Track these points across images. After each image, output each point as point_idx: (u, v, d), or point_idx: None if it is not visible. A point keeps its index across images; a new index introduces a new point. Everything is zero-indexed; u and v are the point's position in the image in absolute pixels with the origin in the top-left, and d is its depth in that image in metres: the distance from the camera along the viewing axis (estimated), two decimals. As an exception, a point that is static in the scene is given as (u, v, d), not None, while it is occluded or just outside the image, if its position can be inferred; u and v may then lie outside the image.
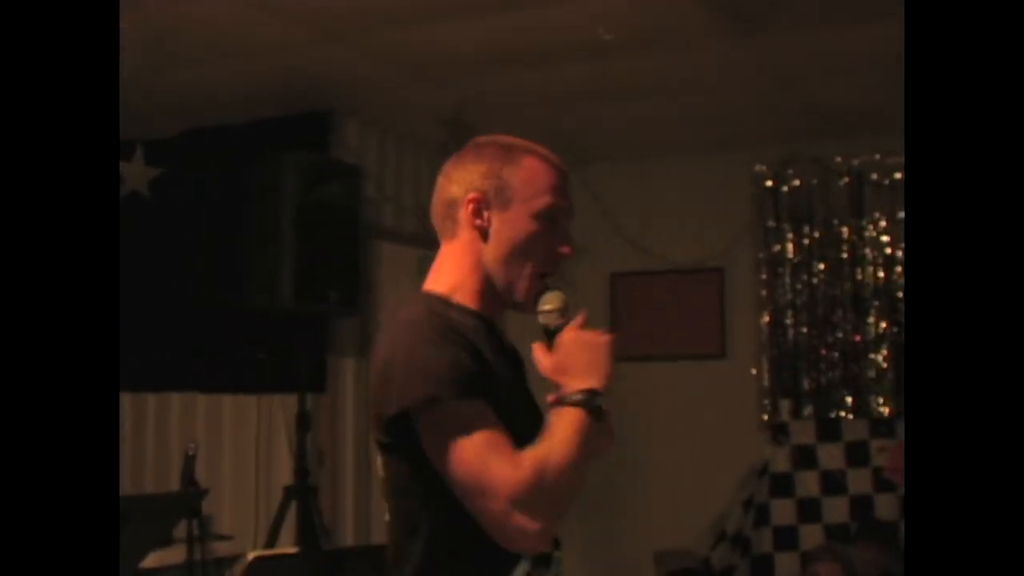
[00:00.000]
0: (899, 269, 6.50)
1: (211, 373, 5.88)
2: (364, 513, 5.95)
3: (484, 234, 2.23)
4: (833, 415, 6.55)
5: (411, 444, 2.07)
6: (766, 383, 6.73)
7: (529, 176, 2.24)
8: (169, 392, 6.05)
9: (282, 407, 5.62)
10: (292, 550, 4.52)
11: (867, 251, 6.58)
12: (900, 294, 6.46)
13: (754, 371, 6.76)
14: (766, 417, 6.69)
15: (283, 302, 5.01)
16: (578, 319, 2.20)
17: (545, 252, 2.25)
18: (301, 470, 5.23)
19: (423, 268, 6.86)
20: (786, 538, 6.28)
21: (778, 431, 6.53)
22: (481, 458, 2.00)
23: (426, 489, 2.08)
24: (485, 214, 2.23)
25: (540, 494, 1.98)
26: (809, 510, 6.33)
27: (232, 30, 4.74)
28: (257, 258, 5.13)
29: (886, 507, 6.26)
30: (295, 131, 5.66)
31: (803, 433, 6.46)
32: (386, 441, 2.12)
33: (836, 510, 6.30)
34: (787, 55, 5.18)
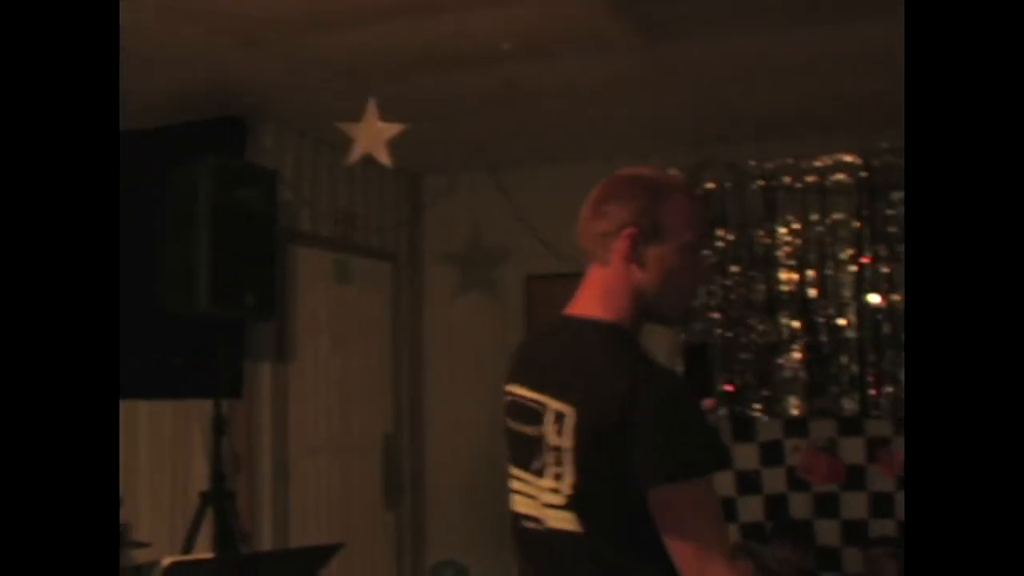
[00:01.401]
0: (811, 271, 6.60)
1: (126, 379, 5.82)
2: (282, 518, 5.93)
3: (639, 264, 2.47)
4: (748, 415, 6.62)
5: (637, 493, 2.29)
6: (682, 384, 6.77)
7: (678, 212, 2.49)
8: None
9: (198, 412, 5.59)
10: (207, 556, 4.50)
11: (780, 253, 6.66)
12: (812, 296, 6.56)
13: (670, 372, 6.81)
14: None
15: (199, 307, 4.98)
16: None
17: (692, 278, 2.55)
18: (218, 475, 5.20)
19: (339, 272, 6.84)
20: (702, 538, 6.33)
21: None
22: (706, 551, 2.26)
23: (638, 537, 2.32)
24: (640, 248, 2.47)
25: None
26: (725, 509, 6.40)
27: (147, 35, 4.70)
28: (172, 263, 5.10)
29: (800, 506, 6.36)
30: (210, 135, 5.63)
31: (719, 433, 6.53)
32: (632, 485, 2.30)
33: (751, 509, 6.39)
34: (700, 61, 5.23)
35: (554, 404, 2.41)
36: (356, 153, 5.25)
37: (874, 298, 6.44)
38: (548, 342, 2.59)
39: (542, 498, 2.43)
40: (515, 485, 2.52)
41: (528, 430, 2.46)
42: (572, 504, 2.37)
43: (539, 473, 2.43)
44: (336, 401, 6.58)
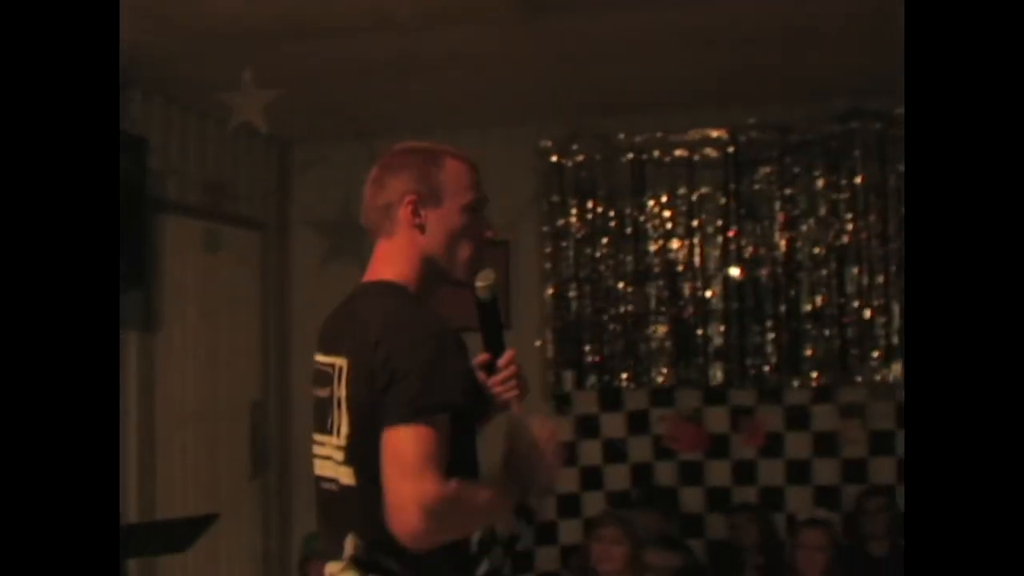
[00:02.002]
0: (676, 243, 6.70)
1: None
2: (148, 488, 5.86)
3: (422, 229, 2.62)
4: (615, 385, 6.71)
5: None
6: (550, 355, 6.85)
7: (455, 176, 2.67)
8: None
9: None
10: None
11: (648, 225, 6.75)
12: (680, 268, 6.67)
13: (539, 343, 6.88)
14: (550, 388, 6.82)
15: (65, 276, 4.89)
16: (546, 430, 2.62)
17: (476, 237, 2.67)
18: (85, 447, 5.12)
19: (207, 241, 6.73)
20: (569, 505, 6.44)
21: (562, 401, 6.67)
22: (422, 463, 2.33)
23: None
24: (422, 212, 2.63)
25: (440, 518, 2.33)
26: (591, 478, 6.50)
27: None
28: (38, 231, 5.00)
29: (665, 474, 6.48)
30: (77, 101, 5.51)
31: (586, 403, 6.62)
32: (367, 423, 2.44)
33: (618, 477, 6.49)
34: (573, 34, 5.27)
35: (335, 361, 2.55)
36: (235, 121, 5.34)
37: (734, 271, 6.58)
38: (341, 309, 2.71)
39: (334, 456, 2.55)
40: (316, 450, 2.63)
41: (323, 393, 2.59)
42: (348, 456, 2.50)
43: (331, 431, 2.55)
44: (203, 371, 6.52)
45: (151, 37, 5.13)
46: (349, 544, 2.47)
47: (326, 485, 2.58)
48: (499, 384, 2.63)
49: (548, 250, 6.88)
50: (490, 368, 2.77)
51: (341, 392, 2.51)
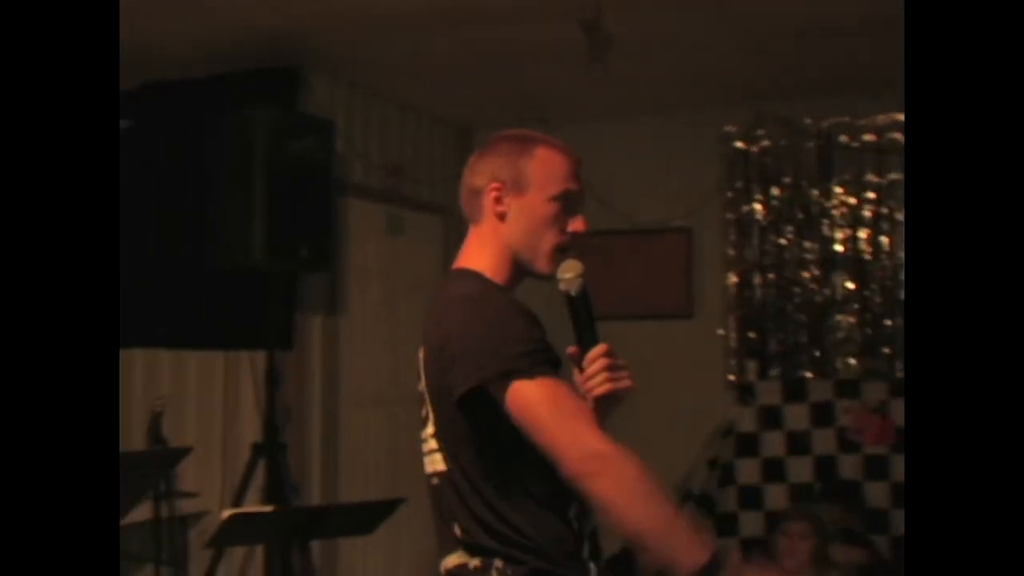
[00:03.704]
0: (865, 231, 6.55)
1: (178, 329, 5.80)
2: (332, 471, 5.93)
3: (503, 217, 2.57)
4: (799, 376, 6.58)
5: (488, 410, 2.37)
6: (733, 343, 6.75)
7: (543, 165, 2.57)
8: (132, 348, 5.93)
9: (250, 363, 5.57)
10: (267, 508, 4.50)
11: (835, 212, 6.60)
12: (867, 255, 6.51)
13: (721, 331, 6.78)
14: (732, 377, 6.71)
15: (254, 259, 4.96)
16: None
17: (559, 229, 2.58)
18: (270, 427, 5.20)
19: (390, 224, 6.76)
20: (751, 497, 6.32)
21: (744, 391, 6.56)
22: (566, 420, 2.32)
23: (498, 448, 2.42)
24: (505, 200, 2.57)
25: (607, 474, 2.34)
26: (774, 470, 6.37)
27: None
28: (228, 215, 5.07)
29: (850, 467, 6.32)
30: (264, 85, 5.60)
31: (769, 393, 6.49)
32: (454, 403, 2.41)
33: (800, 470, 6.35)
34: (759, 16, 5.19)
35: (421, 353, 2.54)
36: None
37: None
38: (432, 300, 2.67)
39: (430, 445, 2.53)
40: (422, 447, 2.59)
41: (419, 386, 2.57)
42: (438, 443, 2.49)
43: (425, 423, 2.54)
44: (385, 353, 6.56)
45: (336, 22, 5.18)
46: (457, 530, 2.45)
47: (433, 480, 2.55)
48: (586, 381, 2.43)
49: (732, 237, 6.77)
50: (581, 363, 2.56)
51: (424, 382, 2.52)
